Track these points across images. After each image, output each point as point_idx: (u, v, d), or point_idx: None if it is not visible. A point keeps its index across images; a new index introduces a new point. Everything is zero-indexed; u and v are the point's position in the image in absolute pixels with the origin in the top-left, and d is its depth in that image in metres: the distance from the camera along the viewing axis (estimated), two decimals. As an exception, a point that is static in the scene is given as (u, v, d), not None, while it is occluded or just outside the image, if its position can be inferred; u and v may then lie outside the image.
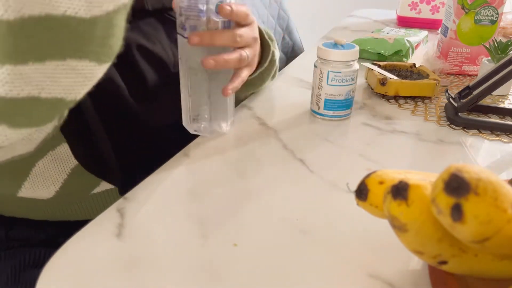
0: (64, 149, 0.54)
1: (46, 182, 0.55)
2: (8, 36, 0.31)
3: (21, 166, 0.53)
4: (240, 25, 0.55)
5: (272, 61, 0.67)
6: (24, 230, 0.60)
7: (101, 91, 0.42)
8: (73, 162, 0.55)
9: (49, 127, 0.42)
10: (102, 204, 0.59)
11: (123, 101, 0.58)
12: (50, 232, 0.61)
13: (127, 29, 0.40)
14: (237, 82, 0.56)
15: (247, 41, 0.56)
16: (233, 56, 0.54)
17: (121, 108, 0.58)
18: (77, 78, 0.36)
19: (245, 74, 0.58)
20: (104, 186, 0.58)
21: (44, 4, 0.32)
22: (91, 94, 0.40)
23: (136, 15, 0.54)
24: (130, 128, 0.60)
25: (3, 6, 0.30)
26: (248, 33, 0.55)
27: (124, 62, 0.41)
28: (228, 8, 0.51)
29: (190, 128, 0.59)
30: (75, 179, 0.56)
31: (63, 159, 0.55)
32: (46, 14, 0.32)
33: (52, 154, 0.54)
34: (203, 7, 0.50)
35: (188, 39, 0.50)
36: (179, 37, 0.53)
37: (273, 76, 0.73)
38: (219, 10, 0.51)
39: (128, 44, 0.55)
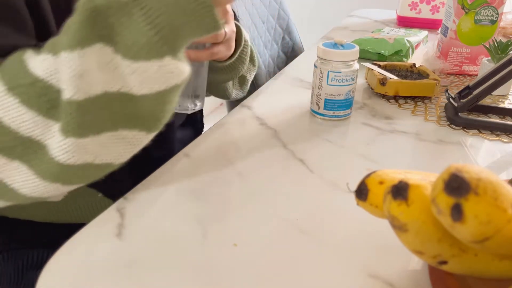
0: None
1: None
2: (75, 113, 0.36)
3: None
4: None
5: (245, 41, 0.66)
6: (27, 233, 0.60)
7: None
8: None
9: None
10: (107, 207, 0.59)
11: None
12: (53, 235, 0.60)
13: None
14: (204, 54, 0.55)
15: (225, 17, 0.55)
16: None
17: None
18: (126, 146, 0.40)
19: (217, 50, 0.56)
20: None
21: (104, 82, 0.37)
22: None
23: None
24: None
25: (73, 88, 0.35)
26: (224, 8, 0.55)
27: None
28: None
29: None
30: None
31: None
32: (104, 92, 0.37)
33: None
34: None
35: None
36: None
37: (252, 59, 0.72)
38: None
39: None
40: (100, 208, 0.59)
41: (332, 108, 0.64)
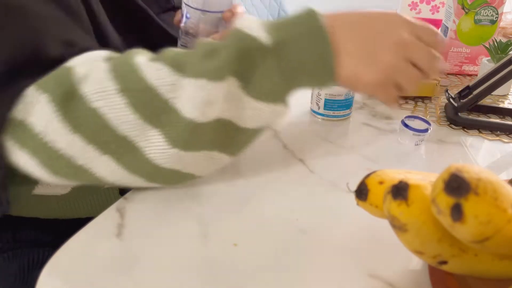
0: None
1: None
2: (190, 131, 0.40)
3: None
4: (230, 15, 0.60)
5: None
6: (31, 231, 0.60)
7: None
8: None
9: None
10: (113, 199, 0.59)
11: None
12: (57, 233, 0.60)
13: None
14: None
15: None
16: None
17: None
18: (210, 163, 0.45)
19: None
20: None
21: (222, 110, 0.41)
22: None
23: (162, 7, 0.67)
24: None
25: (198, 112, 0.39)
26: None
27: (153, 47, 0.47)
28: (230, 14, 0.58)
29: None
30: None
31: None
32: (218, 118, 0.41)
33: None
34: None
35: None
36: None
37: None
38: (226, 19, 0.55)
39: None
40: (105, 202, 0.59)
41: (332, 108, 0.64)
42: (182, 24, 0.55)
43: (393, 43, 0.43)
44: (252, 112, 0.42)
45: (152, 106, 0.40)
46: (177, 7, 0.67)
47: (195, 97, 0.39)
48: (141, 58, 0.42)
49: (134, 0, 0.59)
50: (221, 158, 0.45)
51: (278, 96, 0.42)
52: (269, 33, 0.41)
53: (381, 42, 0.43)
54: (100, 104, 0.39)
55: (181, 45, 0.56)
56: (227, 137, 0.43)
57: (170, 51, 0.42)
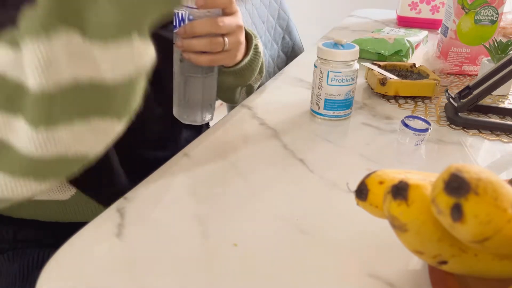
0: None
1: (64, 186, 0.55)
2: (44, 104, 0.34)
3: None
4: (225, 13, 0.55)
5: (257, 52, 0.67)
6: (32, 232, 0.60)
7: None
8: None
9: None
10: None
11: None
12: (58, 235, 0.60)
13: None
14: (203, 59, 0.54)
15: (230, 28, 0.55)
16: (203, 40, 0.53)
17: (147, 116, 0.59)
18: (99, 135, 0.39)
19: (216, 58, 0.56)
20: None
21: (74, 70, 0.35)
22: None
23: None
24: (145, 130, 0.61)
25: (42, 78, 0.34)
26: (231, 20, 0.55)
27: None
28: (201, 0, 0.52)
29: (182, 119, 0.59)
30: None
31: None
32: (74, 80, 0.35)
33: None
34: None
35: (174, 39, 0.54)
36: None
37: (261, 70, 0.72)
38: (195, 3, 0.52)
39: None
40: (105, 208, 0.59)
41: (332, 108, 0.64)
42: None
43: None
44: (109, 59, 0.36)
45: (5, 94, 0.35)
46: None
47: (31, 63, 0.34)
48: None
49: None
50: (107, 125, 0.39)
51: (123, 27, 0.35)
52: None
53: None
54: None
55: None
56: (98, 100, 0.37)
57: (9, 32, 0.37)
